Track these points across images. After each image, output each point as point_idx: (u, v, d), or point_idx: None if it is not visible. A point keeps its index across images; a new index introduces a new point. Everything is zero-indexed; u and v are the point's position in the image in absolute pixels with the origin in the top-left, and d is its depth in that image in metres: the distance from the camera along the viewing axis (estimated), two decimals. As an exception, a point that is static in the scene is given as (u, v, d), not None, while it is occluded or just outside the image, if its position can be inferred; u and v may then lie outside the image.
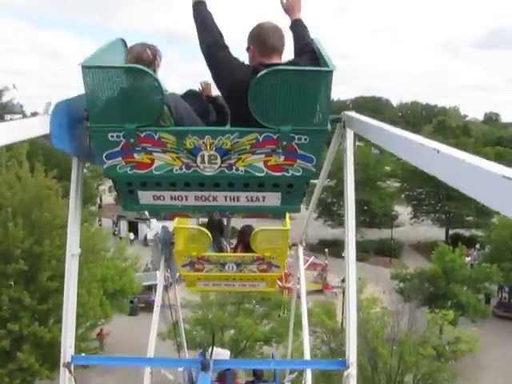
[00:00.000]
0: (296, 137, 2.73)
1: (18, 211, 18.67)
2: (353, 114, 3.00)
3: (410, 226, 50.42)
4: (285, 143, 2.74)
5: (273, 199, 3.10)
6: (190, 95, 3.50)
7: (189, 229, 5.43)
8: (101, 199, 52.39)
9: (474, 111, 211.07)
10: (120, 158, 2.85)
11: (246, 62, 3.04)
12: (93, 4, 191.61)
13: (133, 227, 45.12)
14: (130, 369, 21.94)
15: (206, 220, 5.61)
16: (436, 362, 20.12)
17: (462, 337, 22.25)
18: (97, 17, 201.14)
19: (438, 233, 47.24)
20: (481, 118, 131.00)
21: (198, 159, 2.83)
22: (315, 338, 20.54)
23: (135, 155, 2.83)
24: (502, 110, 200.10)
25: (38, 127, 2.60)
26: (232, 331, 22.46)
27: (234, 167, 2.86)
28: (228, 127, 3.05)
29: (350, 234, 3.25)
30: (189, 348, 9.94)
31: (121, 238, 41.02)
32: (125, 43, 3.33)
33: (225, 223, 5.68)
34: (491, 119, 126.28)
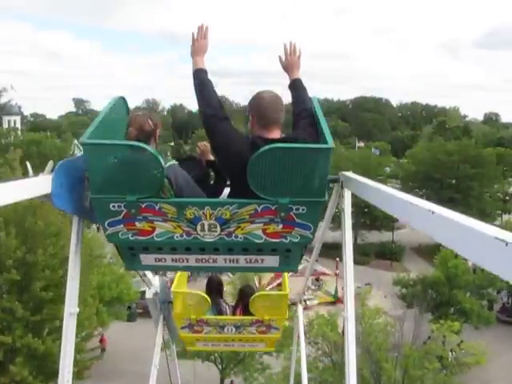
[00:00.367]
0: (294, 207, 2.78)
1: (11, 220, 18.30)
2: (350, 174, 3.08)
3: (411, 228, 50.00)
4: (283, 214, 2.79)
5: (271, 261, 3.16)
6: (188, 161, 3.63)
7: (188, 294, 5.45)
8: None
9: (474, 111, 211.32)
10: (122, 226, 2.91)
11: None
12: (92, 5, 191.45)
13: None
14: (131, 377, 21.73)
15: None
16: (442, 375, 19.69)
17: (468, 349, 21.80)
18: (96, 18, 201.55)
19: (439, 236, 47.01)
20: (481, 118, 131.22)
21: (198, 227, 2.88)
22: (316, 349, 20.19)
23: (137, 223, 2.89)
24: (502, 110, 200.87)
25: (39, 187, 2.69)
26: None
27: (233, 235, 2.91)
28: (226, 198, 3.10)
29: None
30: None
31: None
32: (126, 103, 3.46)
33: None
34: (491, 119, 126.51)
